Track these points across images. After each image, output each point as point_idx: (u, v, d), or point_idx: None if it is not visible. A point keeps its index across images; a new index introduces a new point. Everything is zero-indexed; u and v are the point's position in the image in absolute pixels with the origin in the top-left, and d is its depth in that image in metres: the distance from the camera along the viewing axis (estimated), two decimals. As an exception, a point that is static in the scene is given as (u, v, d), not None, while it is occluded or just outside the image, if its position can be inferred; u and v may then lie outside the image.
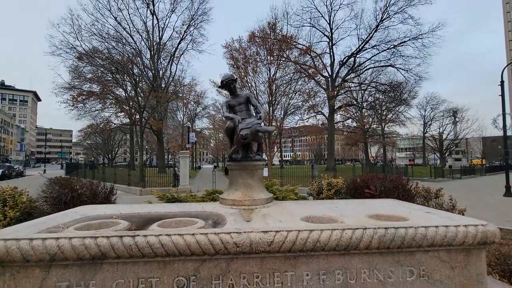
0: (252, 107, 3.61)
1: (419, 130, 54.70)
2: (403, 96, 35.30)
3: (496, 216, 8.61)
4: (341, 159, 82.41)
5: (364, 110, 41.25)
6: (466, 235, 2.12)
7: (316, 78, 28.50)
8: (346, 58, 30.53)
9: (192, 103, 38.63)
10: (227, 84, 3.58)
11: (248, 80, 20.27)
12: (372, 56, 29.34)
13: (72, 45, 24.64)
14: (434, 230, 2.12)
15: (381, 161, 56.77)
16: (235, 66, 20.09)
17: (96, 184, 5.38)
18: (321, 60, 29.13)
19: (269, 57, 20.72)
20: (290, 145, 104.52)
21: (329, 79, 30.03)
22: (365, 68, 31.52)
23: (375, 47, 29.11)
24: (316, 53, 27.99)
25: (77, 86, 25.08)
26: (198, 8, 28.23)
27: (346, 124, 45.94)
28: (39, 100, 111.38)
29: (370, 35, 28.14)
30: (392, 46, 26.87)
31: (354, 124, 42.84)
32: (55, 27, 25.24)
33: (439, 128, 53.05)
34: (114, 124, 31.97)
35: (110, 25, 26.58)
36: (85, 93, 25.48)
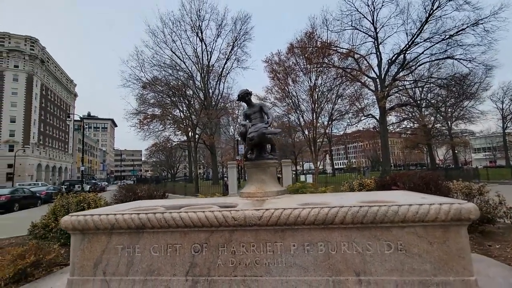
0: (264, 115, 4.19)
1: (498, 126, 47.04)
2: (471, 89, 31.33)
3: None
4: (402, 164, 75.24)
5: (424, 108, 37.67)
6: (439, 212, 2.32)
7: (362, 80, 27.50)
8: (395, 56, 28.69)
9: (240, 117, 40.69)
10: (243, 97, 4.26)
11: (290, 90, 20.80)
12: (425, 50, 27.00)
13: (138, 77, 28.94)
14: (406, 208, 2.37)
15: (452, 164, 50.27)
16: (275, 78, 20.92)
17: (152, 189, 6.58)
18: (367, 61, 28.05)
19: (308, 66, 21.02)
20: (343, 152, 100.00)
21: (377, 79, 28.56)
22: (418, 64, 29.11)
23: (427, 40, 26.83)
24: (360, 55, 27.10)
25: (142, 111, 29.08)
26: (240, 29, 30.39)
27: (404, 126, 42.40)
28: (116, 126, 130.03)
29: (420, 29, 26.12)
30: (447, 37, 24.42)
31: (412, 124, 39.28)
32: (125, 63, 30.06)
33: (525, 122, 44.88)
34: (174, 142, 35.71)
35: (167, 55, 30.44)
36: (149, 116, 29.36)
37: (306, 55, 20.74)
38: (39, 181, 54.42)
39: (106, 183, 59.62)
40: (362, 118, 31.08)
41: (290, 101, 22.03)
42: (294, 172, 36.94)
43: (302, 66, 21.31)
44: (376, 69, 28.93)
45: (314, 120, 21.05)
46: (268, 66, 21.72)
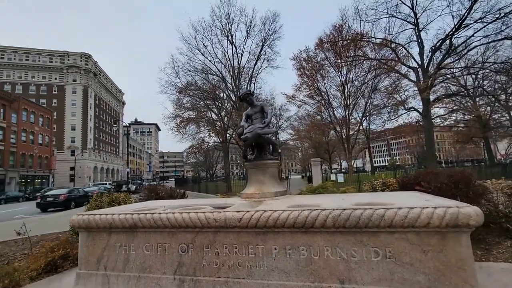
0: (265, 115, 4.12)
1: None
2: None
3: None
4: (455, 161, 67.89)
5: (478, 97, 33.56)
6: (431, 217, 2.05)
7: (401, 72, 25.55)
8: (440, 41, 26.04)
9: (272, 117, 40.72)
10: (244, 98, 4.25)
11: (320, 87, 20.15)
12: (476, 32, 24.03)
13: (174, 83, 30.60)
14: (393, 211, 2.15)
15: (516, 160, 43.87)
16: (303, 75, 20.44)
17: (174, 189, 6.92)
18: (406, 50, 25.96)
19: (339, 60, 20.13)
20: (386, 148, 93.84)
21: (419, 69, 26.26)
22: (469, 48, 26.05)
23: (479, 21, 23.86)
24: (398, 43, 25.16)
25: (178, 115, 30.65)
26: (269, 28, 30.24)
27: (454, 118, 38.20)
28: (159, 129, 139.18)
29: (470, 8, 23.33)
30: (502, 15, 21.37)
31: (463, 116, 35.28)
32: (163, 71, 32.10)
33: None
34: (209, 143, 36.98)
35: (199, 60, 31.66)
36: (185, 120, 30.88)
37: (335, 49, 19.85)
38: (96, 181, 60.62)
39: (155, 183, 64.79)
40: (403, 112, 28.84)
41: (320, 98, 21.26)
42: (330, 171, 35.67)
43: (332, 61, 20.47)
44: (417, 57, 26.59)
45: (347, 117, 20.06)
46: (297, 64, 21.28)
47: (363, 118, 21.92)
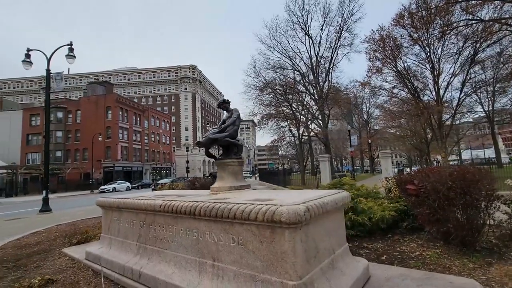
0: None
1: None
2: None
3: None
4: None
5: None
6: (258, 212, 2.35)
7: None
8: None
9: (358, 106, 37.68)
10: (219, 106, 4.98)
11: (399, 69, 17.62)
12: None
13: (256, 82, 32.87)
14: (237, 206, 2.55)
15: None
16: (373, 59, 18.27)
17: (208, 181, 8.29)
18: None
19: (425, 32, 16.89)
20: (537, 133, 69.72)
21: None
22: None
23: None
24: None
25: (258, 113, 32.76)
26: (348, 10, 28.21)
27: None
28: (256, 125, 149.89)
29: None
30: None
31: None
32: (245, 72, 34.95)
33: None
34: (290, 137, 37.84)
35: (277, 57, 32.80)
36: (265, 116, 32.80)
37: (417, 21, 16.65)
38: (204, 172, 71.53)
39: (257, 174, 73.19)
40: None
41: (401, 80, 18.18)
42: (426, 162, 30.28)
43: (414, 36, 17.29)
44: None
45: (438, 99, 16.71)
46: (372, 45, 19.06)
47: (462, 99, 17.31)
